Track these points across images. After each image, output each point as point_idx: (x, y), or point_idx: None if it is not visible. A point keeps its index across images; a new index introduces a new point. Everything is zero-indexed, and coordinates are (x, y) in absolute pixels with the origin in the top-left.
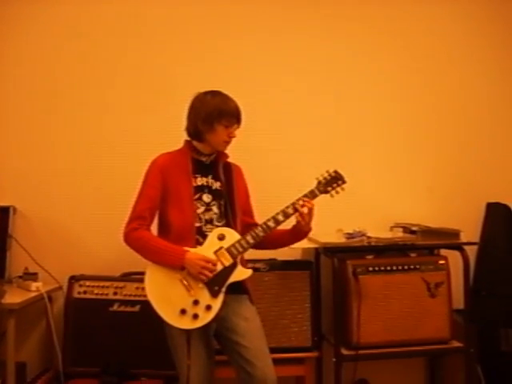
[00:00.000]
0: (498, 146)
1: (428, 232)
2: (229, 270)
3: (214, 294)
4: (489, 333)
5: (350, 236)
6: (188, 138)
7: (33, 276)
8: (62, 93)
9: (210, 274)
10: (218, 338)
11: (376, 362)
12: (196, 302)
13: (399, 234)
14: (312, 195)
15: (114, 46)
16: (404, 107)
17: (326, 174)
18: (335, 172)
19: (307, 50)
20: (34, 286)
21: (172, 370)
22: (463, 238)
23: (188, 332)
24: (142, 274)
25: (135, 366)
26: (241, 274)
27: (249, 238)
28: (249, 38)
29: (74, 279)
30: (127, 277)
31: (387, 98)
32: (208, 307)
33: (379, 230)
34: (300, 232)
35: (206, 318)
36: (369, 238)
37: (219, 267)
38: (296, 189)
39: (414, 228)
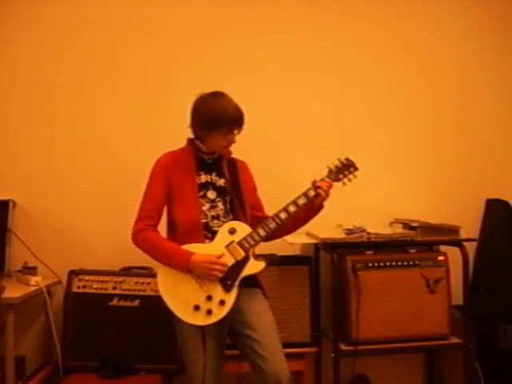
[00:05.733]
0: (497, 142)
1: (427, 228)
2: (241, 263)
3: (227, 289)
4: (488, 329)
5: (349, 232)
6: (192, 136)
7: (32, 270)
8: (63, 90)
9: (221, 274)
10: (230, 332)
11: (375, 357)
12: (209, 298)
13: (399, 229)
14: None
15: (115, 48)
16: (404, 103)
17: (337, 162)
18: (347, 159)
19: (309, 47)
20: (33, 280)
21: (171, 364)
22: (463, 235)
23: (202, 328)
24: (142, 268)
25: (134, 361)
26: (254, 267)
27: (260, 230)
28: (250, 37)
29: (73, 273)
30: (127, 271)
31: (387, 94)
32: (221, 302)
33: (379, 226)
34: (314, 208)
35: (219, 313)
36: (368, 233)
37: (231, 261)
38: (297, 183)
39: (414, 224)
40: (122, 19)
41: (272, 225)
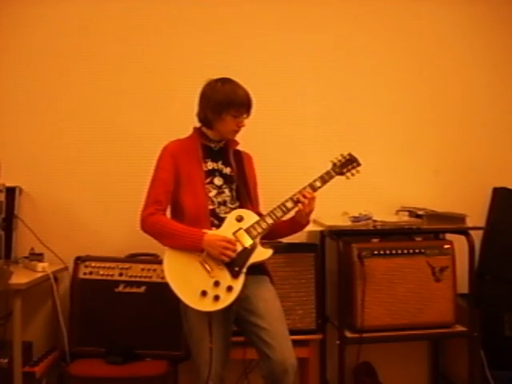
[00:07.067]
0: (505, 130)
1: (434, 216)
2: (249, 250)
3: (235, 275)
4: (493, 317)
5: (355, 219)
6: (198, 124)
7: (39, 256)
8: (70, 77)
9: (233, 254)
10: (236, 319)
11: (380, 345)
12: (217, 284)
13: (405, 217)
14: (328, 176)
15: (125, 37)
16: (410, 91)
17: (340, 157)
18: (349, 155)
19: (313, 40)
20: (40, 266)
21: (176, 351)
22: (469, 223)
23: (209, 315)
24: (148, 255)
25: (140, 347)
26: (261, 254)
27: (267, 218)
28: (255, 32)
29: (79, 260)
30: (133, 258)
31: (393, 82)
32: (229, 288)
33: (385, 214)
34: (298, 223)
35: (227, 299)
36: (374, 221)
37: (239, 248)
38: (302, 175)
39: (420, 212)
40: (127, 15)
41: (279, 213)
